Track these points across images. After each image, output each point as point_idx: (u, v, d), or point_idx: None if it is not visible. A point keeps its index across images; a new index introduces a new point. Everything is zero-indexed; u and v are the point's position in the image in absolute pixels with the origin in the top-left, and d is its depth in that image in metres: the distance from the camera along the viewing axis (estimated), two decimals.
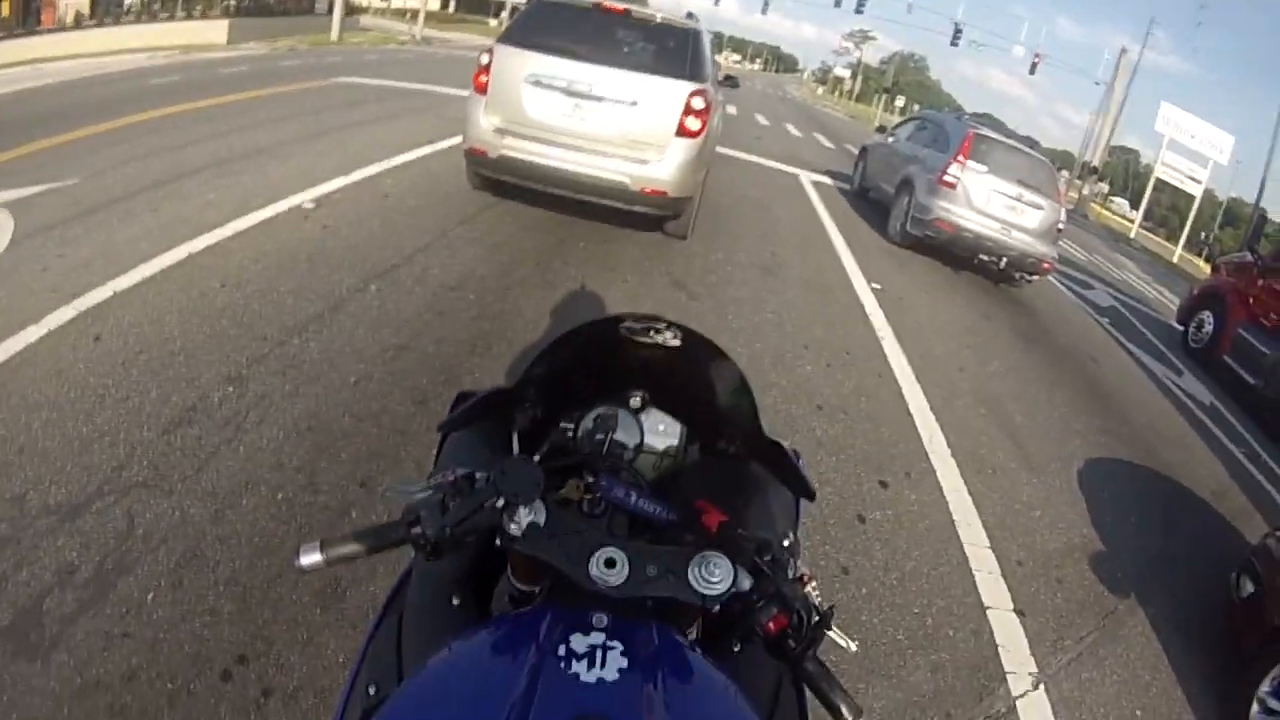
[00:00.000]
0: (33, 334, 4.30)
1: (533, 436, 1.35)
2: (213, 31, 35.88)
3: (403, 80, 17.04)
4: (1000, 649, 3.40)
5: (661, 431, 1.41)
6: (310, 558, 1.09)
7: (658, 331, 1.31)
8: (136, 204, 6.52)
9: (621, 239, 7.27)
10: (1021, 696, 3.20)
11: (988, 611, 3.62)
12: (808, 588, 1.12)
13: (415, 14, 46.18)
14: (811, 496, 1.38)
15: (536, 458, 1.20)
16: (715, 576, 1.08)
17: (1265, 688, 3.46)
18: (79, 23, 39.99)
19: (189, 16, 41.41)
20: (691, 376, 1.39)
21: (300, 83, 15.44)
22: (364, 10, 57.38)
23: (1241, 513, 6.05)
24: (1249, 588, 3.94)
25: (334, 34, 36.32)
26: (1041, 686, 3.28)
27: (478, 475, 1.12)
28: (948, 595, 3.63)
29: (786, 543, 1.21)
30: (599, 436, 1.36)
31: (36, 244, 5.57)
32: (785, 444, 1.35)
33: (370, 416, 3.82)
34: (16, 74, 18.61)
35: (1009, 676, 3.28)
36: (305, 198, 6.96)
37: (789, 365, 5.57)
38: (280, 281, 5.18)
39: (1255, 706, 3.46)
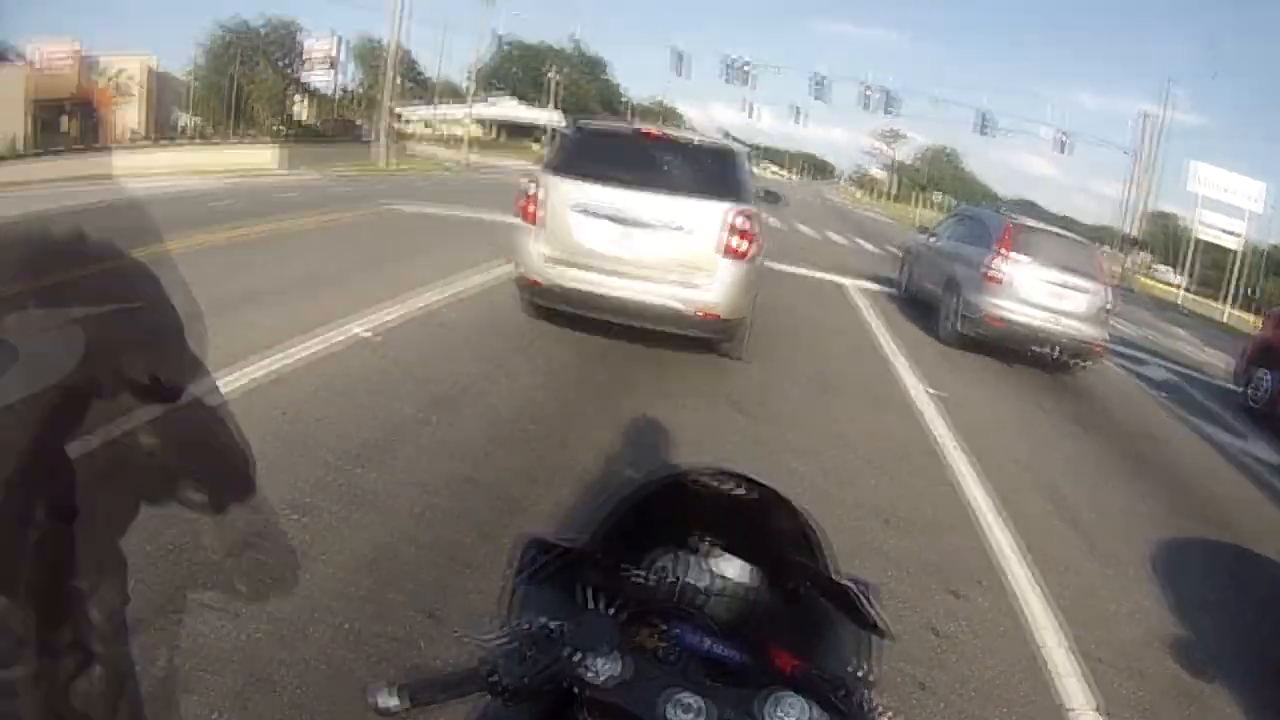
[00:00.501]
0: None
1: (604, 584, 1.38)
2: (263, 156, 37.40)
3: (453, 207, 17.56)
4: None
5: (731, 574, 1.40)
6: (388, 701, 1.10)
7: (723, 483, 1.33)
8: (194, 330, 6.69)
9: (677, 363, 7.26)
10: None
11: (1069, 714, 3.51)
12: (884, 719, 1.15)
13: (460, 141, 47.67)
14: (883, 636, 1.37)
15: (610, 610, 1.25)
16: (790, 716, 1.10)
17: None
18: (134, 142, 42.19)
19: (240, 141, 43.38)
20: (759, 521, 1.40)
21: (353, 209, 15.95)
22: (410, 137, 59.46)
23: None
24: None
25: (382, 161, 37.59)
26: None
27: (553, 626, 1.14)
28: (1028, 703, 3.54)
29: (861, 674, 1.24)
30: (670, 581, 1.36)
31: None
32: (851, 585, 1.35)
33: (436, 547, 3.80)
34: (75, 190, 19.47)
35: None
36: (364, 325, 7.11)
37: (852, 481, 5.56)
38: (342, 409, 5.27)
39: None
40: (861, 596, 1.31)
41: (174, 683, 2.82)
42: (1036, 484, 6.24)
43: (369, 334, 6.96)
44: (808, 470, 5.52)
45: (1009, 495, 5.79)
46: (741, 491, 1.34)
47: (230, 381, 5.52)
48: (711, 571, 1.38)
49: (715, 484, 1.34)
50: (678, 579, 1.36)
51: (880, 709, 1.14)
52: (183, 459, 1.72)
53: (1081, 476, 6.70)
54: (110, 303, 1.62)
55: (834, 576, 1.34)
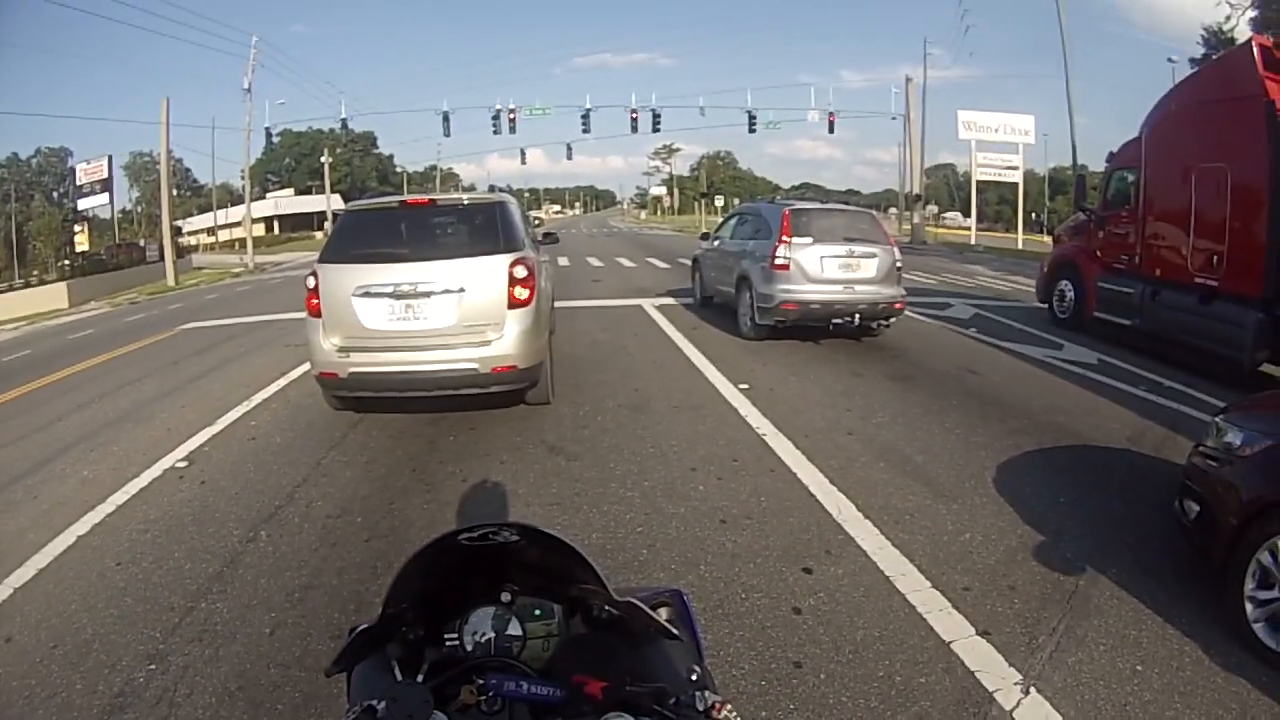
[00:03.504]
0: None
1: (421, 655, 1.42)
2: (53, 297, 35.15)
3: (245, 315, 17.21)
4: (977, 674, 3.40)
5: (538, 616, 1.47)
6: None
7: (495, 534, 1.37)
8: (15, 493, 6.39)
9: (488, 421, 7.24)
10: (1016, 707, 3.19)
11: (951, 646, 3.62)
12: (722, 713, 1.19)
13: (244, 243, 46.22)
14: (672, 638, 1.43)
15: (420, 677, 1.29)
16: None
17: (1249, 585, 3.62)
18: None
19: (27, 284, 40.61)
20: (541, 562, 1.46)
21: (148, 337, 15.33)
22: (194, 249, 57.27)
23: (1164, 444, 6.40)
24: (1194, 509, 4.12)
25: (170, 280, 36.11)
26: (1032, 689, 3.29)
27: (377, 706, 1.16)
28: (907, 647, 3.63)
29: (694, 677, 1.30)
30: (485, 637, 1.42)
31: None
32: (631, 599, 1.39)
33: (295, 662, 3.73)
34: None
35: (996, 695, 3.26)
36: (177, 456, 6.87)
37: (682, 492, 5.60)
38: (172, 547, 5.08)
39: (1249, 606, 3.61)
40: (641, 606, 1.39)
41: None
42: (866, 447, 6.45)
43: (184, 463, 6.71)
44: (633, 494, 5.55)
45: (843, 465, 6.00)
46: (516, 538, 1.38)
47: (59, 541, 5.29)
48: (520, 618, 1.46)
49: (490, 539, 1.38)
50: (495, 633, 1.43)
51: (716, 704, 1.21)
52: None
53: (911, 428, 6.99)
54: None
55: (615, 596, 1.39)
